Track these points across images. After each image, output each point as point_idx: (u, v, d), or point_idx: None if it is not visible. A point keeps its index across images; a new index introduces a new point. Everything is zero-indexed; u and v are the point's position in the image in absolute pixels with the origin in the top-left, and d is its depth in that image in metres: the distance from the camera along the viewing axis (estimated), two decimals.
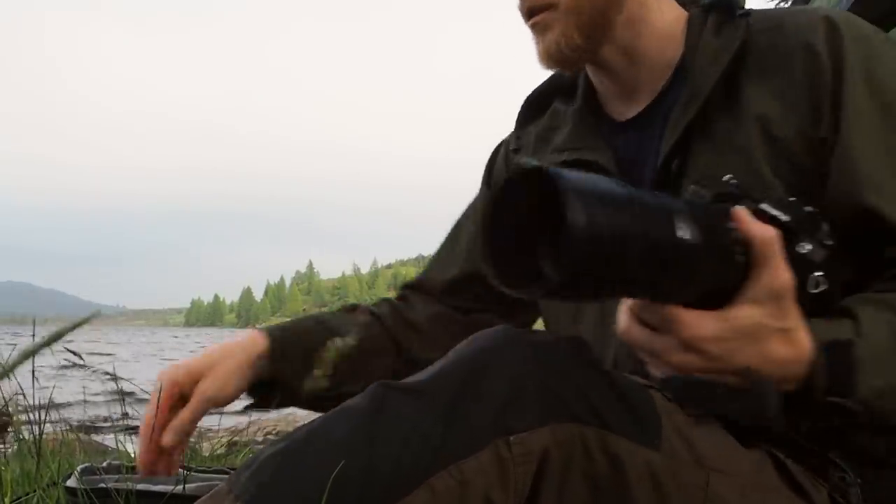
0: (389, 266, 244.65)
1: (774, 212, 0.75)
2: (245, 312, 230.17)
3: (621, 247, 0.60)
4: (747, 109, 0.89)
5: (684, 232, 0.65)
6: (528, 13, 0.94)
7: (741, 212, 0.72)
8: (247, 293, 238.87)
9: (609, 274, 0.61)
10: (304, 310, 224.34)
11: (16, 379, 1.32)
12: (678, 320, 0.70)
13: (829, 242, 0.76)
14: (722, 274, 0.71)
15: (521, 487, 0.63)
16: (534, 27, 0.95)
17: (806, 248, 0.75)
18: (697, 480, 0.70)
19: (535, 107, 1.12)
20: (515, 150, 1.12)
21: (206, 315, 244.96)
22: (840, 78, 0.85)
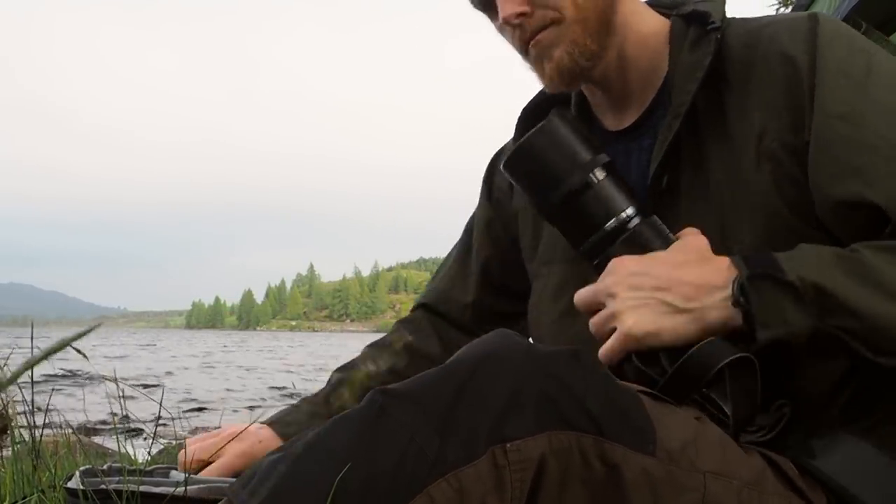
0: (390, 269, 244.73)
1: None
2: (245, 315, 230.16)
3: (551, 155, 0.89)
4: (732, 124, 0.88)
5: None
6: (532, 34, 0.91)
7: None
8: (247, 295, 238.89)
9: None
10: (304, 312, 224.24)
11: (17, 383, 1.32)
12: (608, 267, 0.84)
13: None
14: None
15: (518, 494, 0.63)
16: (536, 47, 0.91)
17: None
18: (695, 483, 0.70)
19: (533, 117, 1.10)
20: None
21: (206, 317, 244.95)
22: (815, 75, 0.84)
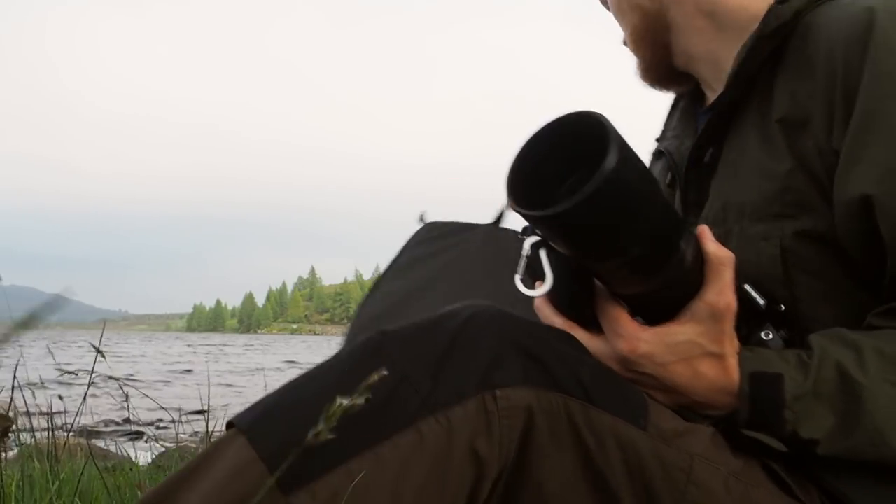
0: None
1: (754, 293, 0.78)
2: (247, 318, 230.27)
3: (636, 205, 0.63)
4: (776, 106, 0.86)
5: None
6: None
7: (704, 229, 0.74)
8: (249, 298, 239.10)
9: (615, 222, 0.62)
10: (305, 316, 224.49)
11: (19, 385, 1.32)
12: (619, 330, 0.74)
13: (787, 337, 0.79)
14: (675, 280, 0.71)
15: (507, 442, 0.65)
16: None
17: (769, 335, 0.78)
18: (681, 463, 0.70)
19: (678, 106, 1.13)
20: (658, 139, 1.12)
21: (207, 320, 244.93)
22: (860, 79, 0.77)
